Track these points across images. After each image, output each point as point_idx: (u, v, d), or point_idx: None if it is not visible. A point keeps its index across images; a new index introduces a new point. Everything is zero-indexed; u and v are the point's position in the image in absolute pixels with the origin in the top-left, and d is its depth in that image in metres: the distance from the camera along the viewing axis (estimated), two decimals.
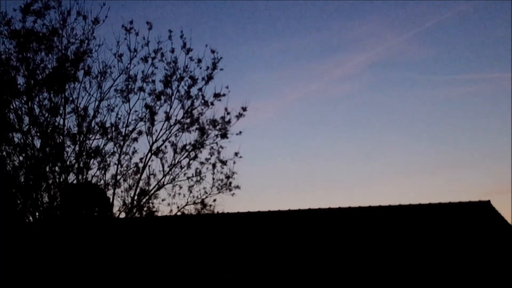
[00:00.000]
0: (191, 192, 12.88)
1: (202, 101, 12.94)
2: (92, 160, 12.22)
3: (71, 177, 12.04)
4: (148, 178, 12.66)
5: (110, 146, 12.44)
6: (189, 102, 12.93)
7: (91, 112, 12.28)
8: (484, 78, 33.62)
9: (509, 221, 14.21)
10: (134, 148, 12.69)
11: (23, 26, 11.91)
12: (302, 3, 33.51)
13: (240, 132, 13.04)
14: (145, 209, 12.58)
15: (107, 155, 12.37)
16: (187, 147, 12.82)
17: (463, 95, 33.04)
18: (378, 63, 33.24)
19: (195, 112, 12.99)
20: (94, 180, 12.30)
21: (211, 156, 13.04)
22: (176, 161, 12.82)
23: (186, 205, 12.75)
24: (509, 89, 32.95)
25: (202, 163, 13.00)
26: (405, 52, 33.53)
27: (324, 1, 32.77)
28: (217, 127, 12.98)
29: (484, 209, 14.26)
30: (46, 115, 11.95)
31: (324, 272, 13.07)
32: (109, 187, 12.38)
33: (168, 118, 12.77)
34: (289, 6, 32.82)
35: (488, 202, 14.44)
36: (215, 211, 13.03)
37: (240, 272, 13.25)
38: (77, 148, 12.06)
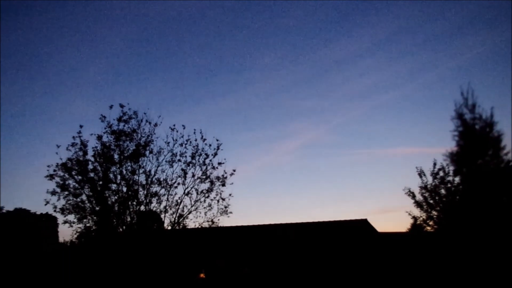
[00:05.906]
0: (206, 215, 22.12)
1: (211, 166, 22.55)
2: (153, 198, 21.78)
3: (142, 208, 21.70)
4: (183, 208, 22.03)
5: (162, 191, 21.89)
6: (204, 167, 22.48)
7: (152, 173, 21.88)
8: (361, 152, 59.84)
9: (380, 231, 24.78)
10: (175, 192, 22.10)
11: (118, 128, 21.76)
12: (259, 108, 58.66)
13: (232, 183, 22.46)
14: (181, 225, 21.93)
15: (161, 196, 21.81)
16: (203, 191, 22.32)
17: (352, 162, 58.97)
18: (306, 144, 60.06)
19: (208, 172, 22.47)
20: (154, 209, 21.76)
21: (216, 195, 22.31)
22: (198, 199, 22.26)
23: (203, 222, 22.06)
24: (376, 156, 56.15)
25: (211, 199, 22.29)
26: (321, 139, 58.58)
27: (272, 109, 57.01)
28: (220, 180, 22.39)
29: (363, 224, 24.64)
30: (129, 174, 21.65)
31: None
32: (162, 213, 21.86)
33: (193, 176, 22.32)
34: (254, 113, 58.70)
35: (366, 220, 24.71)
36: (219, 225, 22.10)
37: (230, 259, 23.43)
38: (145, 192, 21.71)
